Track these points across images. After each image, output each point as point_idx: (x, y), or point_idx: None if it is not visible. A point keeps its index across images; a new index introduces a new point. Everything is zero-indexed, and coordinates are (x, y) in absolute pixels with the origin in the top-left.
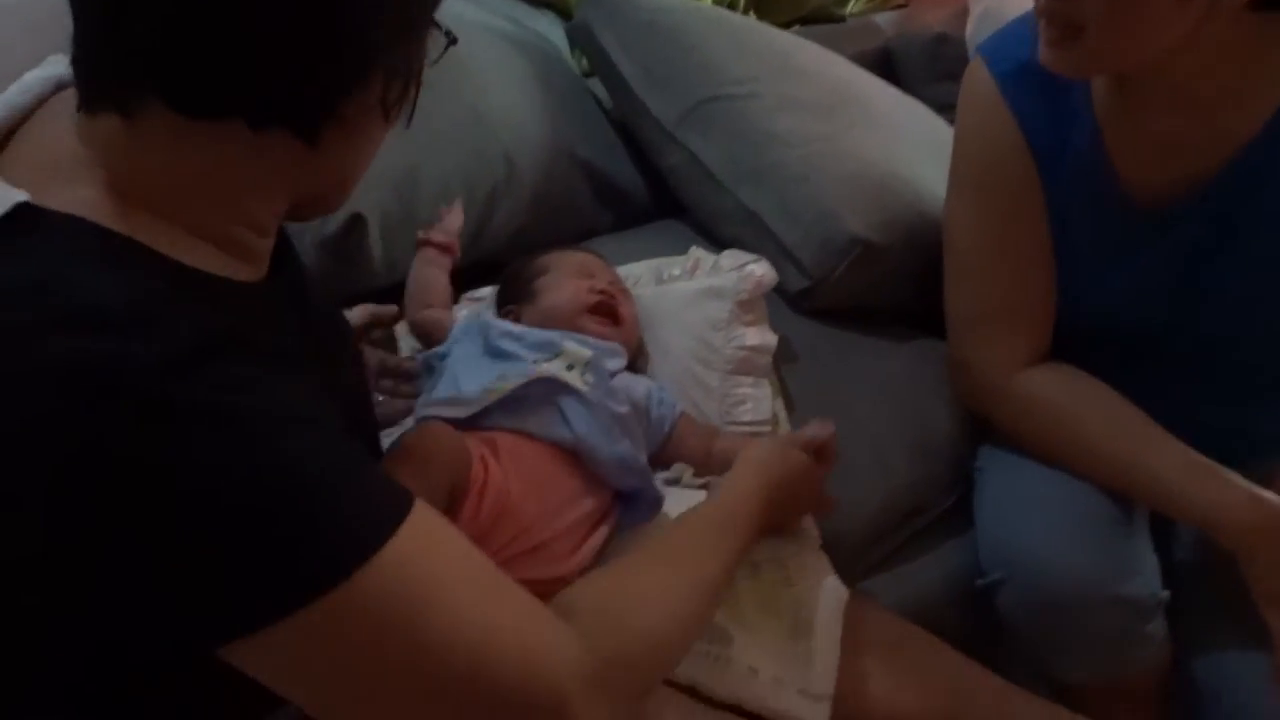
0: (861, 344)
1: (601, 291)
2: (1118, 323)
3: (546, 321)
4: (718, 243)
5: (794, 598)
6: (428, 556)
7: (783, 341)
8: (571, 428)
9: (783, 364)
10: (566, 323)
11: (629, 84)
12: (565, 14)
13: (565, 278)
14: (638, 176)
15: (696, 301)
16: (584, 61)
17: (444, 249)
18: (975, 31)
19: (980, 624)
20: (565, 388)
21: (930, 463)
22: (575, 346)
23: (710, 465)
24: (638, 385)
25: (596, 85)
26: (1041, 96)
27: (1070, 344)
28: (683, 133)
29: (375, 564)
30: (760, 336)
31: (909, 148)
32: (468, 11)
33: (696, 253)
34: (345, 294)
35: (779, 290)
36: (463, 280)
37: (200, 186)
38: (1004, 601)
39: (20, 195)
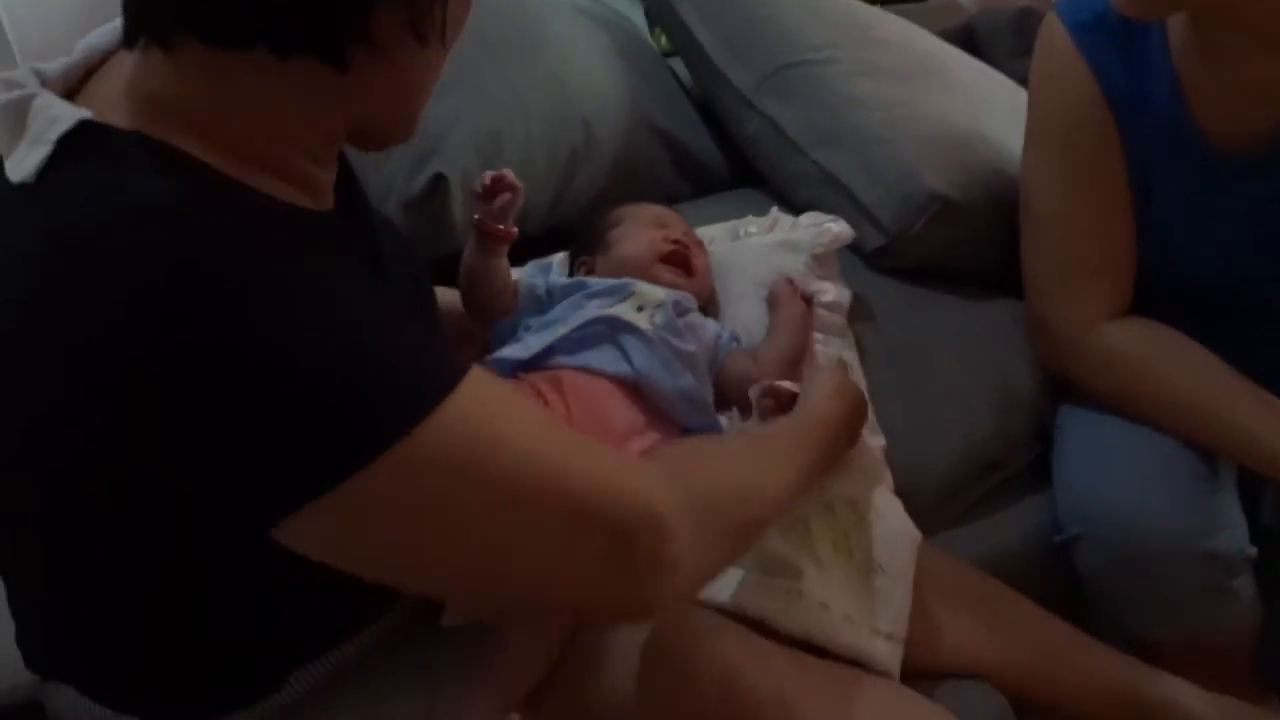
0: (941, 301)
1: (675, 241)
2: (1203, 276)
3: (619, 271)
4: (795, 208)
5: (866, 538)
6: (493, 406)
7: (861, 299)
8: (631, 363)
9: (861, 321)
10: (640, 271)
11: (708, 54)
12: None
13: (639, 228)
14: (716, 149)
15: (772, 254)
16: (663, 41)
17: (500, 237)
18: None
19: (1059, 582)
20: (626, 325)
21: (1011, 417)
22: (649, 288)
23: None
24: (707, 327)
25: (676, 65)
26: (1117, 47)
27: (1154, 300)
28: (761, 99)
29: (438, 416)
30: (835, 293)
31: (991, 113)
32: None
33: (775, 213)
34: (430, 256)
35: (857, 250)
36: (540, 248)
37: (244, 116)
38: (1084, 557)
39: (84, 113)
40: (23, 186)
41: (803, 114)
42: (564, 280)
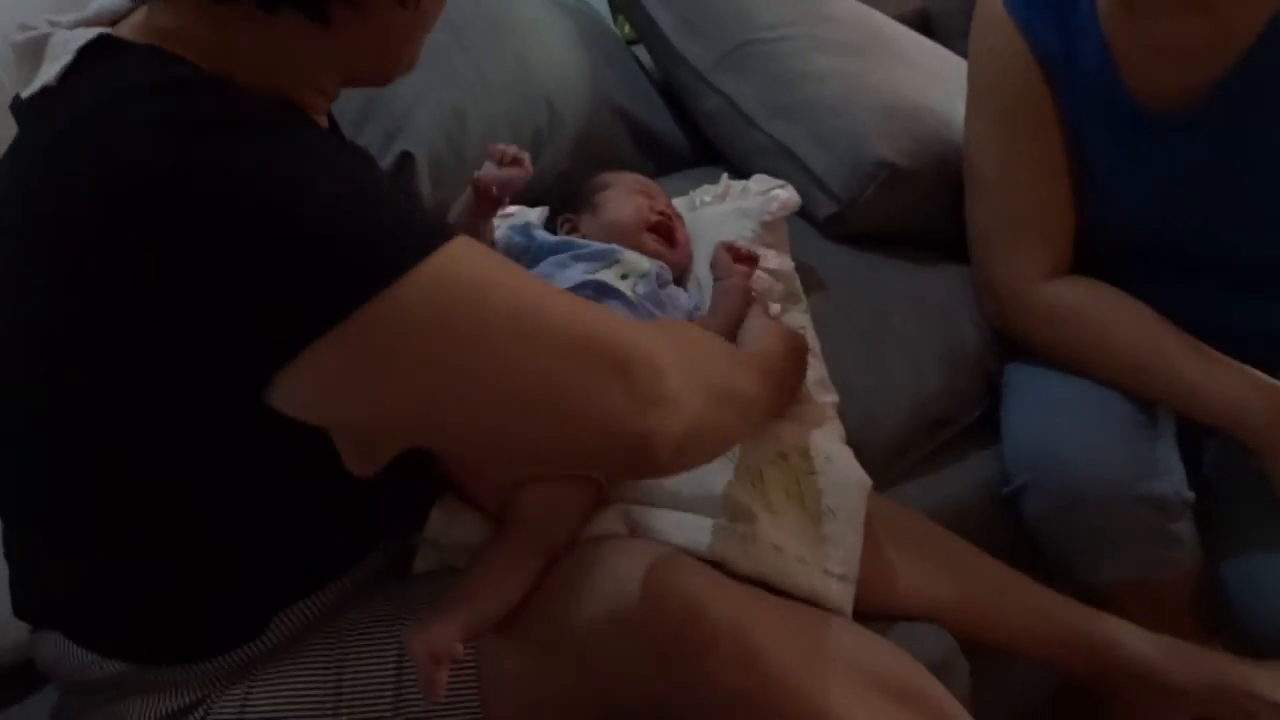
0: (891, 266)
1: (661, 212)
2: (1140, 234)
3: (608, 234)
4: None
5: (816, 485)
6: (488, 258)
7: (815, 266)
8: None
9: (814, 287)
10: (628, 238)
11: (667, 35)
12: None
13: (628, 194)
14: (677, 130)
15: (725, 222)
16: (627, 29)
17: (493, 200)
18: None
19: (1006, 534)
20: (612, 290)
21: (959, 374)
22: (634, 257)
23: None
24: (681, 298)
25: (639, 53)
26: (1048, 11)
27: (1093, 257)
28: (718, 77)
29: (440, 256)
30: (778, 260)
31: (940, 86)
32: None
33: (726, 180)
34: None
35: (810, 218)
36: None
37: (242, 55)
38: (1030, 505)
39: (105, 30)
40: (44, 92)
41: (758, 89)
42: (551, 238)
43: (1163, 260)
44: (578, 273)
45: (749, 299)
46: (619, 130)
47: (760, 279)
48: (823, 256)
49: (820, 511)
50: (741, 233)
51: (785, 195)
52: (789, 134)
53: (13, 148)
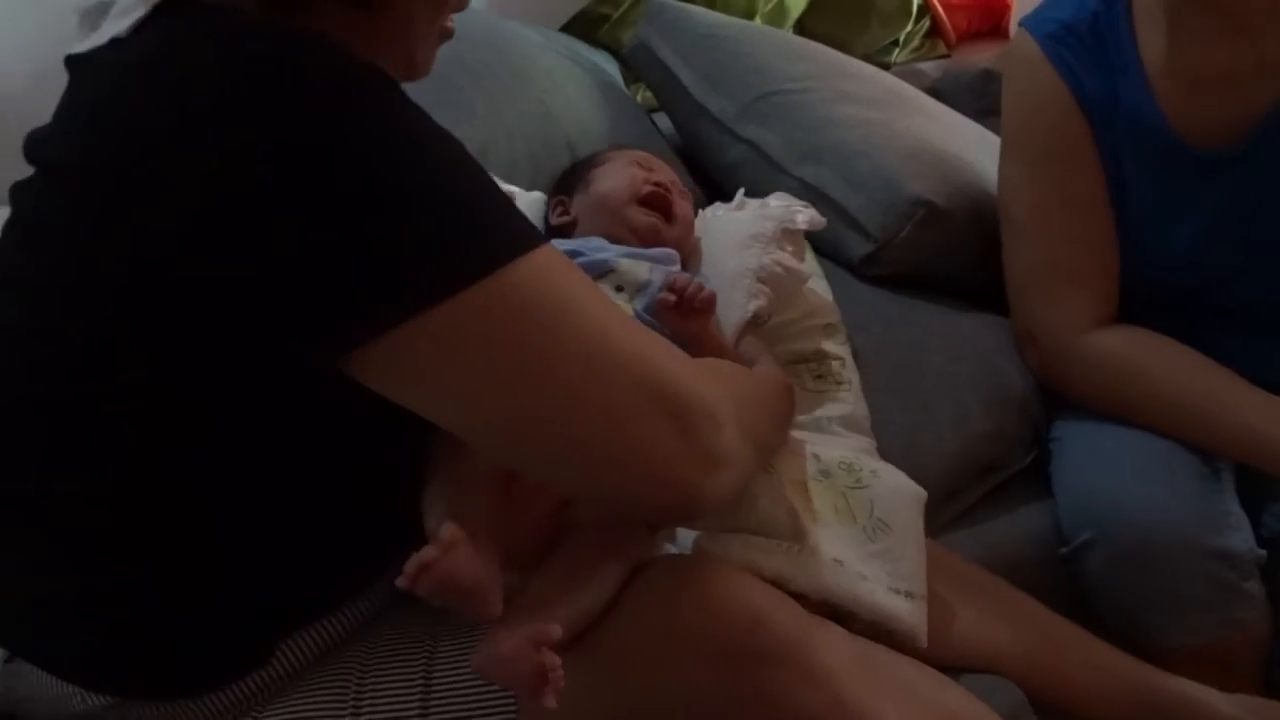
0: (928, 307)
1: (657, 184)
2: (1185, 275)
3: (596, 209)
4: None
5: (867, 499)
6: (574, 274)
7: (851, 306)
8: None
9: (852, 326)
10: (615, 212)
11: (689, 90)
12: (616, 54)
13: (621, 165)
14: (695, 184)
15: (743, 223)
16: (641, 95)
17: None
18: None
19: (1061, 594)
20: None
21: (1006, 415)
22: (631, 266)
23: None
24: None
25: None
26: (1086, 51)
27: (1139, 304)
28: (742, 126)
29: (528, 261)
30: (795, 261)
31: (961, 138)
32: (533, 35)
33: (741, 196)
34: None
35: (842, 260)
36: None
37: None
38: (1094, 563)
39: None
40: (115, 41)
41: (784, 135)
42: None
43: (1207, 304)
44: None
45: (712, 344)
46: None
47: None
48: (857, 298)
49: (873, 526)
50: (761, 229)
51: (809, 213)
52: (818, 176)
53: (68, 95)
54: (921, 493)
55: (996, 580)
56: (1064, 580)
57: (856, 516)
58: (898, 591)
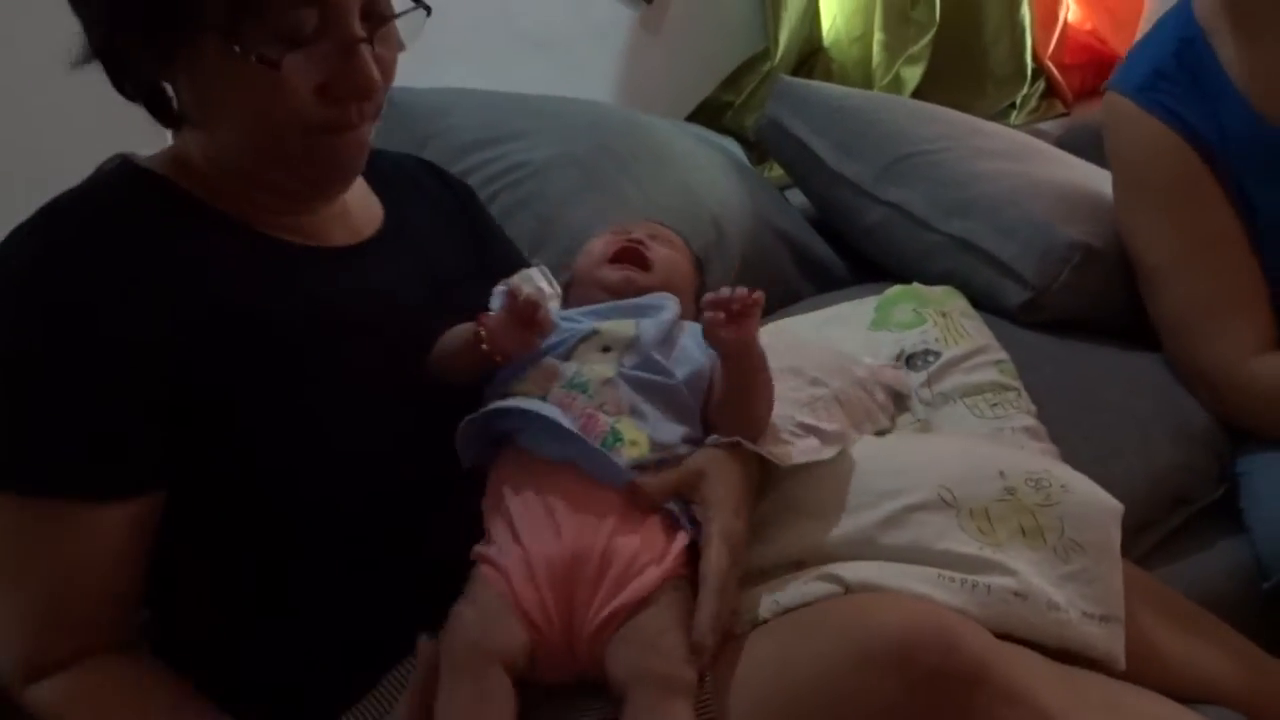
0: (1093, 348)
1: (628, 240)
2: None
3: (576, 284)
4: (928, 282)
5: (1057, 517)
6: None
7: (1016, 350)
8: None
9: (1023, 370)
10: (588, 278)
11: (823, 159)
12: (740, 138)
13: (599, 238)
14: (833, 253)
15: (861, 345)
16: (769, 174)
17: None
18: None
19: (1266, 630)
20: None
21: (1192, 447)
22: (613, 326)
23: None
24: (695, 352)
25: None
26: (1181, 90)
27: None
28: (882, 189)
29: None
30: (875, 405)
31: (1104, 183)
32: (665, 124)
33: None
34: None
35: (998, 310)
36: None
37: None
38: None
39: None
40: None
41: (926, 194)
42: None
43: None
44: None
45: (751, 358)
46: (780, 252)
47: None
48: (1021, 342)
49: (1065, 546)
50: (877, 361)
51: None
52: (968, 229)
53: None
54: (1117, 506)
55: (1206, 612)
56: (1269, 618)
57: (1046, 537)
58: (1092, 616)
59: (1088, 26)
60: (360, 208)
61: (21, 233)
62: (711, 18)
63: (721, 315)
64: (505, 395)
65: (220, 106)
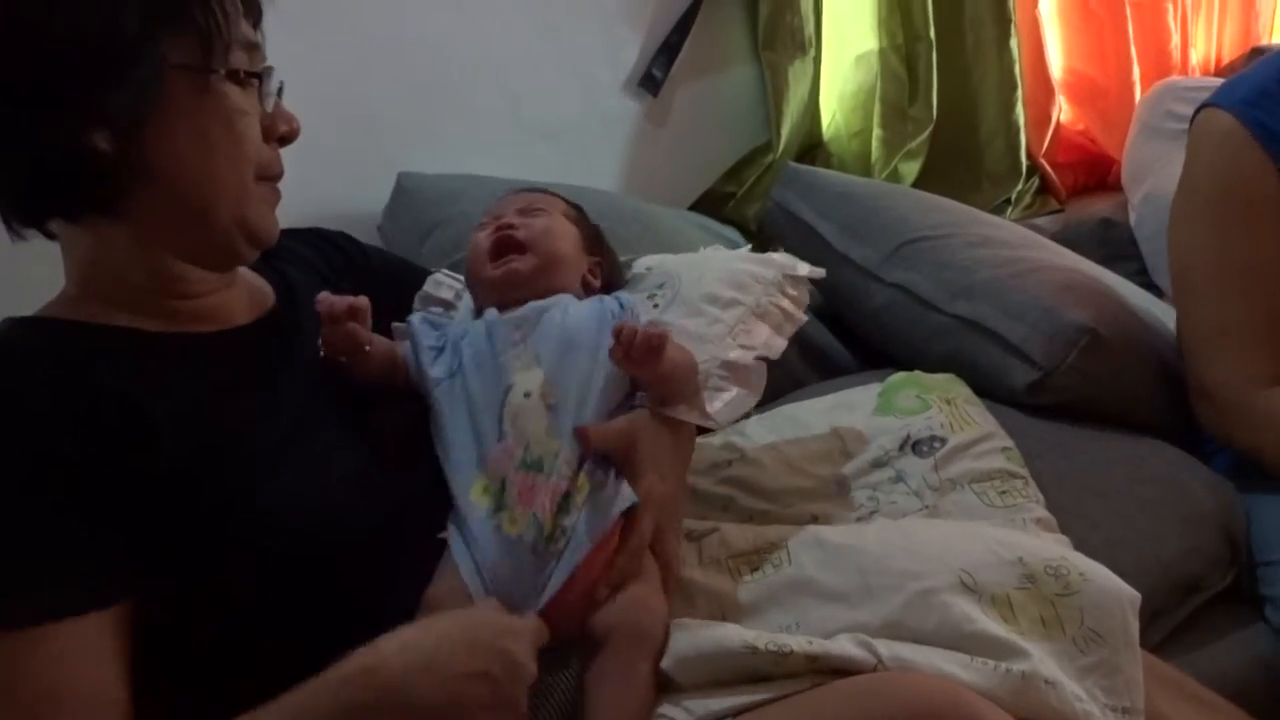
0: (1101, 434)
1: (498, 226)
2: None
3: (469, 280)
4: (931, 365)
5: (1076, 606)
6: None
7: (1020, 438)
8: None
9: (1029, 458)
10: (476, 278)
11: (829, 242)
12: (742, 228)
13: (478, 228)
14: (837, 342)
15: (737, 262)
16: None
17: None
18: (1140, 216)
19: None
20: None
21: (1202, 532)
22: (523, 376)
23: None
24: (588, 321)
25: None
26: None
27: None
28: (888, 271)
29: None
30: (794, 306)
31: (1105, 276)
32: (669, 213)
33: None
34: None
35: (1004, 392)
36: None
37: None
38: None
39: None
40: None
41: (932, 276)
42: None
43: None
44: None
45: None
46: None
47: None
48: (1025, 430)
49: (1084, 637)
50: (763, 272)
51: (811, 267)
52: (974, 311)
53: None
54: (1134, 595)
55: (1218, 697)
56: None
57: (1066, 628)
58: (1115, 709)
59: (1080, 127)
60: (253, 281)
61: None
62: (715, 111)
63: (621, 354)
64: (460, 484)
65: (190, 150)
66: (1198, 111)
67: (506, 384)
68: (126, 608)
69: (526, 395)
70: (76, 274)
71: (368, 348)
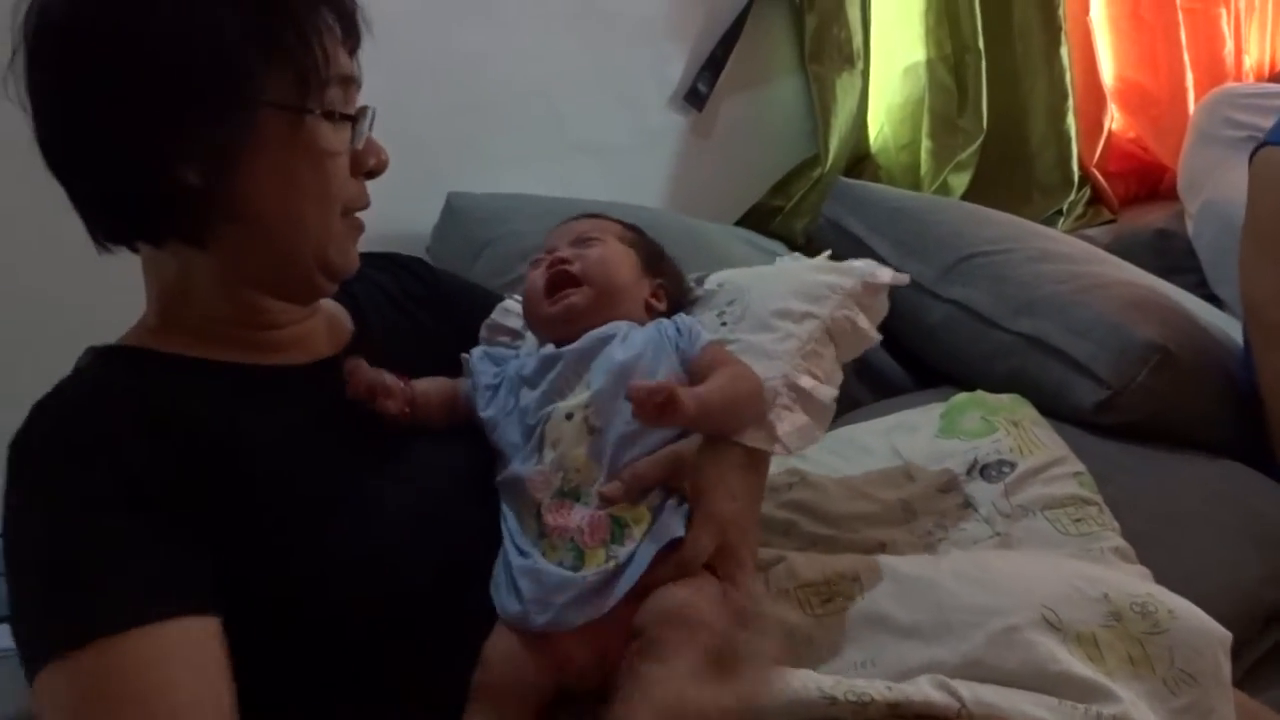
0: (1169, 456)
1: (551, 261)
2: None
3: (527, 319)
4: (993, 385)
5: (1166, 646)
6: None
7: (1087, 460)
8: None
9: (1098, 483)
10: (534, 318)
11: (884, 258)
12: (789, 242)
13: (532, 265)
14: (893, 360)
15: (813, 272)
16: None
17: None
18: (1198, 225)
19: None
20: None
21: None
22: (568, 401)
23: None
24: (643, 348)
25: None
26: None
27: None
28: (945, 288)
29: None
30: (867, 322)
31: (1168, 289)
32: (717, 229)
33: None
34: None
35: (1069, 410)
36: None
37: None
38: None
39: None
40: None
41: (993, 293)
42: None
43: None
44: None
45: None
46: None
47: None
48: (1092, 452)
49: (1175, 678)
50: (840, 282)
51: (892, 273)
52: (1037, 328)
53: None
54: (1226, 635)
55: None
56: None
57: (1155, 667)
58: None
59: (1131, 135)
60: (332, 309)
61: (28, 428)
62: (761, 125)
63: (638, 414)
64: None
65: (277, 189)
66: (1255, 151)
67: (550, 408)
68: (219, 623)
69: (569, 417)
70: (158, 301)
71: (407, 409)
